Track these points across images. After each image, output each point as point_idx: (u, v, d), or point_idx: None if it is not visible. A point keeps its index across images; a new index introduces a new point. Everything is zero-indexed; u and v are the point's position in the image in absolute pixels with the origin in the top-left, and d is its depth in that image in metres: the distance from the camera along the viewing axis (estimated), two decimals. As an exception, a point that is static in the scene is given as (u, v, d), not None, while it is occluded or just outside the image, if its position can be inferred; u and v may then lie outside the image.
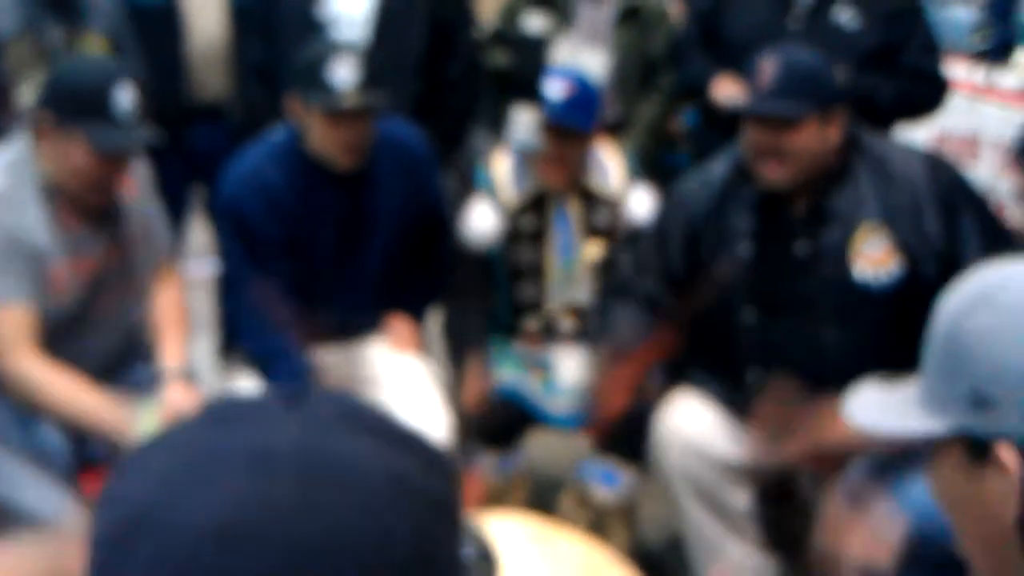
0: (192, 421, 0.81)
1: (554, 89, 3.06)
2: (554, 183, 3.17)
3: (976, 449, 1.11)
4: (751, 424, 2.72)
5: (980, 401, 1.11)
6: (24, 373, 2.58)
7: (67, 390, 2.60)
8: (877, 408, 1.22)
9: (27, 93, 3.23)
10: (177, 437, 0.80)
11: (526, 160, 3.20)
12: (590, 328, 3.14)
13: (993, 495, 1.10)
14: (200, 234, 4.36)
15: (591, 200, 3.22)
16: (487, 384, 3.17)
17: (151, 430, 2.55)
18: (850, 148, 2.70)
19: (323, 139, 2.98)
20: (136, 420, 2.58)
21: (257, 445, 0.75)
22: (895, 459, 2.42)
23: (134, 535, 0.73)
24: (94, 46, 3.44)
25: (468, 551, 0.80)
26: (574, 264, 3.22)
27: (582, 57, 3.74)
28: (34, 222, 2.61)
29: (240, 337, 3.16)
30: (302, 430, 0.77)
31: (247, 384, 3.00)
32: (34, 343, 2.60)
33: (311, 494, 0.73)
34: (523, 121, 3.16)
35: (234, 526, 0.71)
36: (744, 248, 2.75)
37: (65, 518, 2.32)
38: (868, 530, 1.97)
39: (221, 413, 0.81)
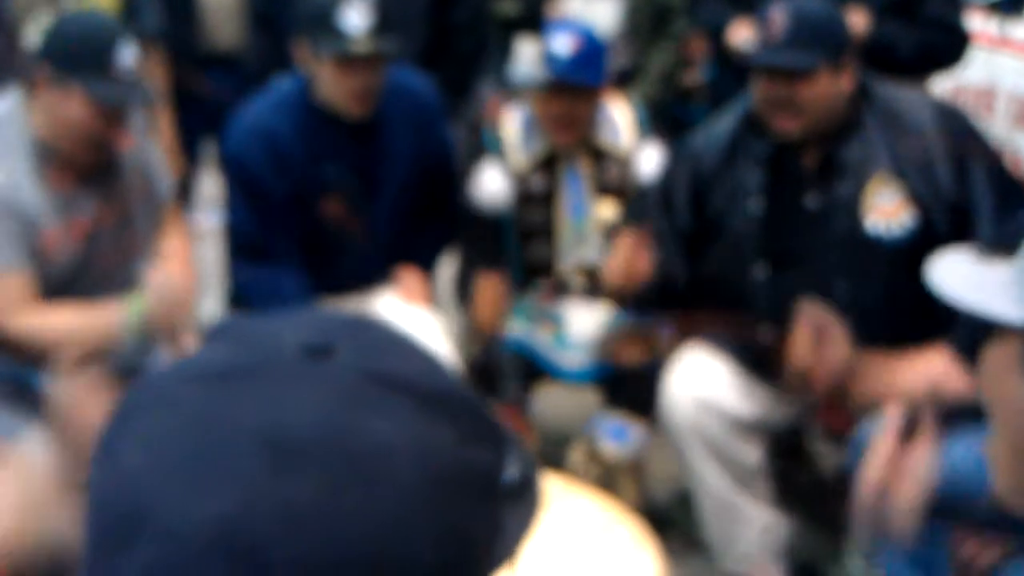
0: (195, 373, 0.70)
1: (560, 45, 3.00)
2: (563, 142, 3.12)
3: None
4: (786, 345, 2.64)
5: None
6: (22, 328, 2.54)
7: (61, 323, 2.56)
8: (966, 281, 1.18)
9: (32, 33, 3.20)
10: (178, 397, 0.68)
11: (535, 120, 3.15)
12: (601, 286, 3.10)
13: None
14: (211, 184, 4.34)
15: (601, 158, 3.17)
16: (501, 309, 3.13)
17: (139, 316, 2.58)
18: (860, 98, 2.66)
19: (333, 87, 2.94)
20: (125, 314, 2.57)
21: (274, 424, 0.65)
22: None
23: (131, 534, 0.65)
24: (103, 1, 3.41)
25: (511, 474, 0.72)
26: (585, 224, 3.18)
27: (593, 6, 3.69)
28: (25, 186, 2.54)
29: (244, 290, 3.15)
30: (326, 400, 0.67)
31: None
32: (32, 307, 2.56)
33: (335, 495, 0.64)
34: (527, 54, 3.11)
35: (246, 534, 0.62)
36: (754, 203, 2.71)
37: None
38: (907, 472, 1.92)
39: (230, 368, 0.69)
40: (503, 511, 0.71)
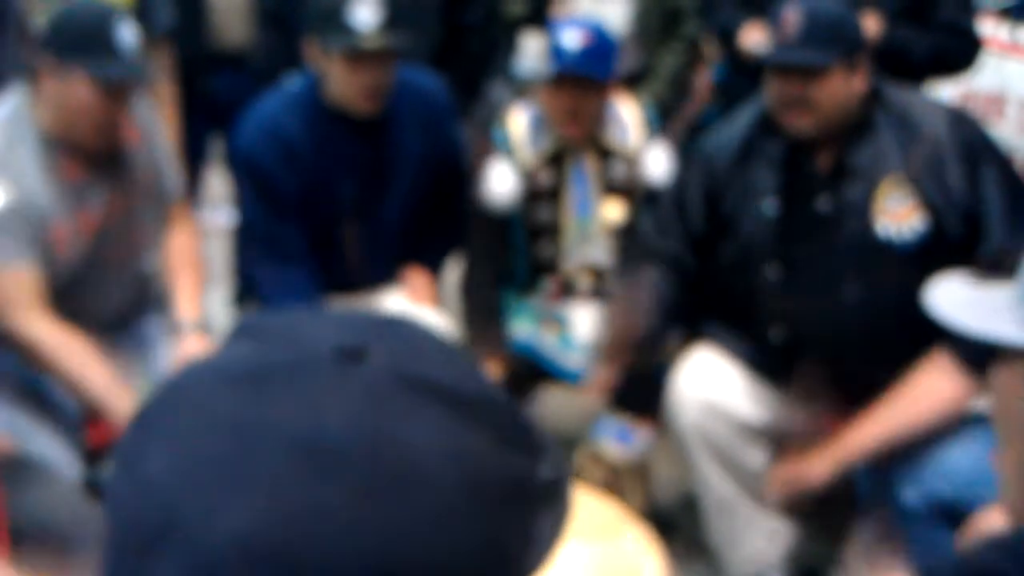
0: (224, 374, 0.68)
1: (570, 38, 3.00)
2: (570, 136, 3.12)
3: None
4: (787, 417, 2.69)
5: None
6: (33, 337, 2.49)
7: (76, 361, 2.50)
8: (966, 306, 1.16)
9: (40, 25, 3.20)
10: (206, 399, 0.66)
11: (543, 117, 3.14)
12: (608, 289, 3.10)
13: None
14: (218, 183, 4.34)
15: (609, 157, 3.17)
16: (503, 366, 3.13)
17: None
18: (873, 101, 2.65)
19: (342, 84, 2.93)
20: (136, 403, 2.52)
21: (306, 430, 0.63)
22: (904, 452, 2.42)
23: (157, 543, 0.62)
24: None
25: (543, 471, 0.70)
26: (591, 222, 3.17)
27: (603, 7, 3.68)
28: (33, 181, 2.53)
29: (256, 288, 3.14)
30: (359, 405, 0.64)
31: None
32: (43, 304, 2.51)
33: (368, 503, 0.62)
34: (532, 47, 3.10)
35: (279, 546, 0.61)
36: (767, 204, 2.71)
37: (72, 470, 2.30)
38: None
39: (260, 369, 0.67)
40: (537, 516, 0.69)
